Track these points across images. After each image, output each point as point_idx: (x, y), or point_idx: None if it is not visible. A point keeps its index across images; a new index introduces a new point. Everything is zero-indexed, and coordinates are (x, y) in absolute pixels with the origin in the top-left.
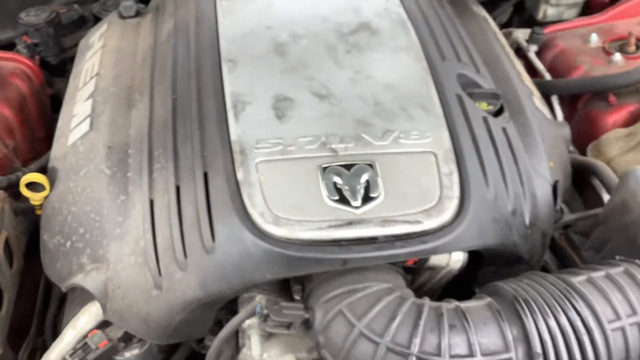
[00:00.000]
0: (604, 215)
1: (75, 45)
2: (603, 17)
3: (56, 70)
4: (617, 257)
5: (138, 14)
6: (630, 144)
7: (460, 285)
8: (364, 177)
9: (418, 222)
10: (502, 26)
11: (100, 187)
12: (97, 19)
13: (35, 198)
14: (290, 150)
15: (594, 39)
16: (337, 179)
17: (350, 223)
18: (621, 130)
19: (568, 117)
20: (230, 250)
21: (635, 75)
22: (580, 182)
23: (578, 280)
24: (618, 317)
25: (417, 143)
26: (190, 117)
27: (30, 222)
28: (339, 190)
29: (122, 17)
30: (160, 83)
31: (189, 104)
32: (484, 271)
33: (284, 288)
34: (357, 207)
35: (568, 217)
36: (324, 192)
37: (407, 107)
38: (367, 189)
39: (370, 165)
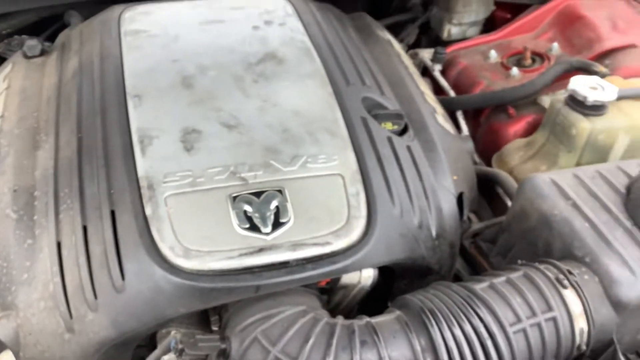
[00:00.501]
0: (507, 222)
1: None
2: (501, 33)
3: None
4: (519, 262)
5: (43, 52)
6: (529, 153)
7: (379, 300)
8: (274, 203)
9: (327, 243)
10: (410, 47)
11: (6, 232)
12: (2, 60)
13: None
14: (200, 182)
15: (493, 54)
16: (247, 207)
17: (261, 250)
18: (521, 140)
19: (473, 131)
20: (141, 287)
21: (530, 87)
22: (488, 191)
23: (480, 287)
24: (519, 319)
25: (325, 166)
26: (96, 155)
27: None
28: (249, 218)
29: (26, 56)
30: (65, 122)
31: (94, 142)
32: (398, 284)
33: (203, 320)
34: (267, 234)
35: (476, 225)
36: (235, 221)
37: (314, 132)
38: (277, 214)
39: (280, 191)
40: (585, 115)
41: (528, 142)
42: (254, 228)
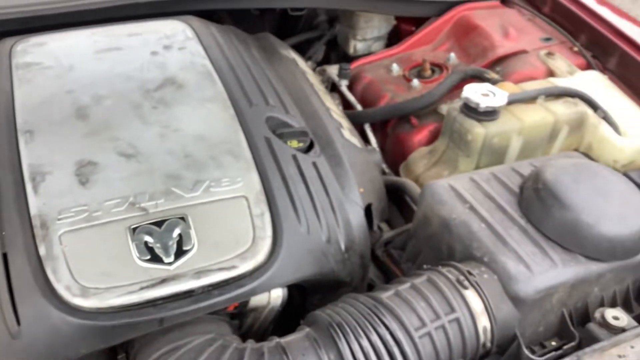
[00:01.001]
0: (413, 229)
1: None
2: (402, 47)
3: None
4: (425, 267)
5: None
6: (432, 160)
7: (296, 318)
8: (176, 232)
9: (233, 267)
10: (319, 63)
11: None
12: None
13: None
14: (96, 216)
15: (395, 68)
16: (148, 238)
17: (163, 281)
18: (424, 148)
19: (382, 142)
20: (38, 331)
21: (429, 98)
22: (398, 200)
23: (386, 295)
24: (424, 324)
25: (228, 189)
26: None
27: None
28: (150, 249)
29: None
30: None
31: None
32: (311, 300)
33: (110, 358)
34: (170, 263)
35: (387, 234)
36: (135, 254)
37: (217, 156)
38: (180, 243)
39: (183, 219)
40: (479, 121)
41: (430, 150)
42: (155, 259)
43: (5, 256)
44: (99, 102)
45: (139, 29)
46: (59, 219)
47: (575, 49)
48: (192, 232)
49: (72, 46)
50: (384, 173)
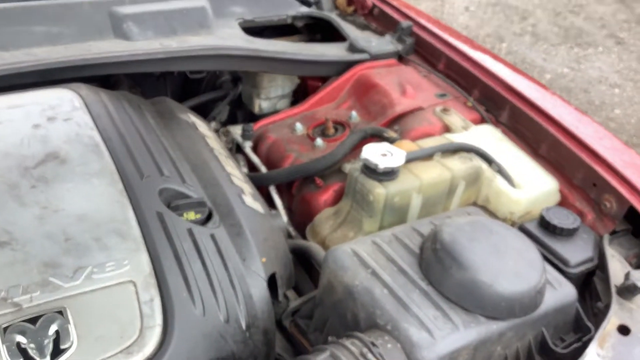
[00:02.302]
0: (319, 296)
1: None
2: (305, 105)
3: None
4: (329, 339)
5: None
6: (338, 221)
7: None
8: (53, 328)
9: None
10: (224, 123)
11: None
12: None
13: None
14: None
15: (299, 127)
16: (21, 338)
17: None
18: (330, 209)
19: (290, 203)
20: None
21: (331, 158)
22: (307, 264)
23: None
24: None
25: (113, 275)
26: None
27: None
28: (23, 351)
29: None
30: None
31: None
32: None
33: None
34: None
35: (294, 303)
36: (5, 357)
37: (102, 237)
38: (57, 341)
39: (61, 312)
40: (380, 181)
41: (335, 210)
42: None
43: None
44: None
45: (20, 100)
46: None
47: (469, 104)
48: (71, 328)
49: None
50: (290, 236)
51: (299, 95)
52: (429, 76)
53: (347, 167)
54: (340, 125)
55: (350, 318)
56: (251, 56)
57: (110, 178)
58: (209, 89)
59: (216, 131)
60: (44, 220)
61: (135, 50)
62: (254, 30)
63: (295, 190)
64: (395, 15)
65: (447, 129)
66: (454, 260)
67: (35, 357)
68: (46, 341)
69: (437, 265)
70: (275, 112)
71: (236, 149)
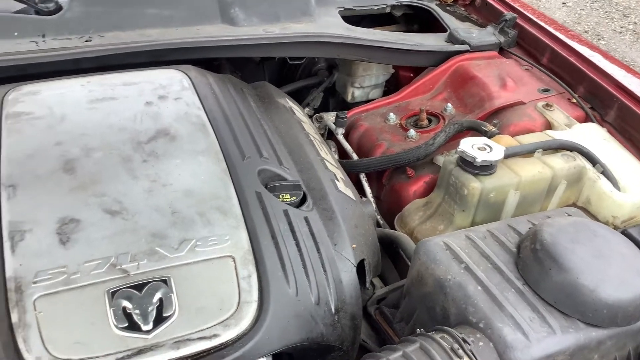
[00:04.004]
0: (407, 287)
1: None
2: (399, 95)
3: None
4: (417, 331)
5: None
6: (428, 213)
7: None
8: (157, 296)
9: (215, 336)
10: (317, 110)
11: None
12: None
13: None
14: (75, 279)
15: (392, 117)
16: (127, 304)
17: (140, 351)
18: (420, 200)
19: (378, 192)
20: None
21: (424, 149)
22: (392, 253)
23: None
24: None
25: (215, 249)
26: None
27: None
28: (128, 316)
29: None
30: None
31: None
32: None
33: None
34: (148, 332)
35: (380, 291)
36: (112, 321)
37: (205, 212)
38: (160, 308)
39: (165, 281)
40: (476, 175)
41: (426, 202)
42: (133, 327)
43: None
44: (89, 155)
45: (134, 78)
46: (34, 282)
47: (574, 100)
48: (174, 297)
49: (66, 95)
50: (378, 225)
51: (391, 85)
52: (531, 70)
53: (441, 159)
54: (434, 116)
55: (440, 312)
56: (351, 44)
57: (215, 157)
58: (304, 75)
59: (309, 117)
60: (152, 193)
61: (240, 36)
62: (352, 19)
63: (385, 179)
64: (499, 7)
65: (548, 126)
66: (554, 261)
67: (139, 322)
68: (150, 308)
69: (535, 265)
70: (368, 101)
71: (327, 136)
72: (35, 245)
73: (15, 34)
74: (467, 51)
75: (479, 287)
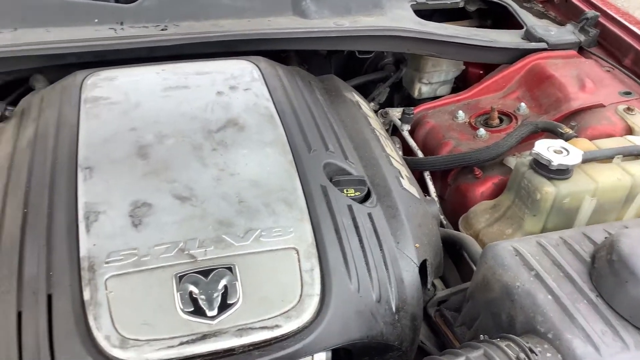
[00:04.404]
0: (471, 291)
1: None
2: (469, 93)
3: None
4: (481, 337)
5: (2, 119)
6: (495, 216)
7: None
8: (222, 283)
9: (277, 326)
10: (382, 105)
11: None
12: None
13: None
14: (145, 261)
15: (461, 114)
16: (194, 288)
17: (204, 336)
18: (487, 202)
19: (442, 191)
20: None
21: (495, 149)
22: (455, 254)
23: None
24: None
25: (279, 240)
26: (39, 233)
27: None
28: (194, 301)
29: None
30: (13, 196)
31: (39, 219)
32: None
33: None
34: (212, 317)
35: (441, 293)
36: (178, 304)
37: (271, 203)
38: (225, 295)
39: (230, 269)
40: (550, 179)
41: (494, 204)
42: (198, 312)
43: (50, 297)
44: (161, 142)
45: (207, 67)
46: (106, 262)
47: None
48: (238, 285)
49: (141, 82)
50: (441, 225)
51: (459, 82)
52: (612, 71)
53: (512, 160)
54: (506, 116)
55: (505, 319)
56: (422, 39)
57: (282, 148)
58: (370, 69)
59: (375, 112)
60: (221, 182)
61: (311, 28)
62: (423, 12)
63: (451, 178)
64: (580, 4)
65: (629, 131)
66: (631, 274)
67: (204, 307)
68: (215, 294)
69: (611, 277)
70: (435, 97)
71: (392, 131)
72: (109, 227)
73: (96, 20)
74: (545, 49)
75: (549, 296)
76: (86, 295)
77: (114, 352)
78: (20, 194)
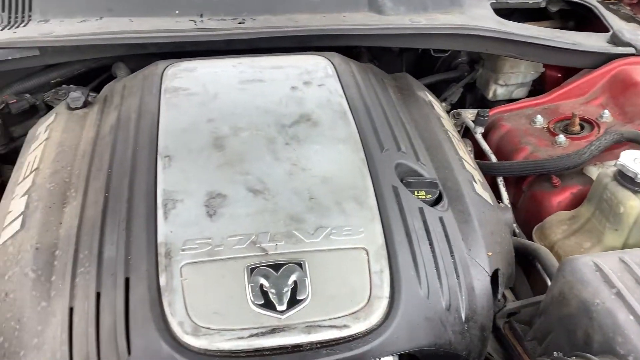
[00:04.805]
0: (545, 305)
1: (25, 134)
2: (549, 97)
3: (6, 158)
4: (555, 354)
5: (86, 104)
6: (573, 228)
7: None
8: (292, 278)
9: (345, 326)
10: (454, 105)
11: (23, 292)
12: (49, 108)
13: None
14: (218, 251)
15: (539, 119)
16: (264, 281)
17: (273, 330)
18: (565, 213)
19: (515, 199)
20: None
21: (576, 158)
22: (527, 265)
23: None
24: None
25: (349, 239)
26: (119, 217)
27: None
28: (265, 294)
29: (69, 108)
30: (95, 180)
31: (119, 203)
32: None
33: None
34: (282, 312)
35: (512, 305)
36: (249, 296)
37: (342, 201)
38: (295, 291)
39: (300, 265)
40: (635, 192)
41: (572, 215)
42: (268, 305)
43: (127, 281)
44: (237, 134)
45: (282, 62)
46: (182, 250)
47: None
48: (308, 281)
49: (218, 74)
50: (514, 234)
51: (536, 85)
52: None
53: (594, 170)
54: (587, 123)
55: (581, 337)
56: (502, 39)
57: (354, 146)
58: (443, 68)
59: (447, 112)
60: (293, 177)
61: (387, 25)
62: (502, 12)
63: (525, 186)
64: None
65: None
66: None
67: (274, 301)
68: (285, 289)
69: None
70: (510, 100)
71: (463, 133)
72: (185, 215)
73: (177, 12)
74: (632, 55)
75: (631, 317)
76: (162, 281)
77: (187, 338)
78: (102, 178)
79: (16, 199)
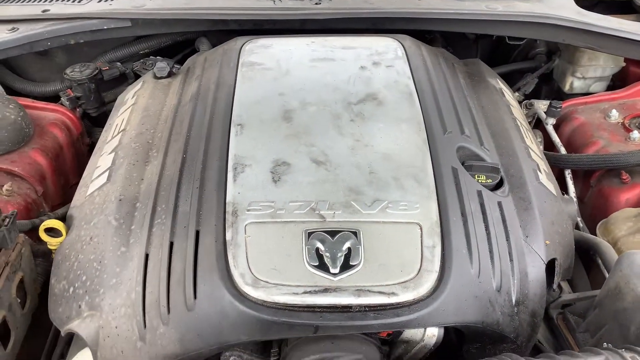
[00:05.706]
0: (600, 298)
1: (115, 99)
2: (627, 92)
3: (97, 121)
4: (605, 344)
5: (170, 74)
6: (639, 225)
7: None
8: (346, 245)
9: (393, 294)
10: (528, 96)
11: (106, 237)
12: (137, 76)
13: (52, 243)
14: (280, 214)
15: (615, 114)
16: (320, 245)
17: (325, 290)
18: (632, 210)
19: (582, 193)
20: (209, 309)
21: None
22: (587, 260)
23: None
24: None
25: (405, 214)
26: (194, 176)
27: (49, 264)
28: (320, 257)
29: (155, 77)
30: (175, 142)
31: (195, 164)
32: (468, 348)
33: (264, 350)
34: (334, 274)
35: (567, 296)
36: (305, 257)
37: (400, 178)
38: (348, 256)
39: (355, 233)
40: None
41: (639, 213)
42: (322, 267)
43: (197, 233)
44: (304, 108)
45: (353, 42)
46: (248, 210)
47: None
48: (361, 249)
49: (292, 52)
50: (577, 228)
51: (616, 80)
52: None
53: None
54: None
55: (635, 332)
56: (582, 29)
57: (417, 126)
58: (519, 58)
59: (519, 102)
60: (354, 151)
61: (463, 10)
62: (584, 3)
63: (593, 180)
64: None
65: None
66: None
67: (328, 264)
68: (339, 254)
69: None
70: (587, 94)
71: (535, 124)
72: (252, 179)
73: None
74: None
75: None
76: (228, 235)
77: (246, 289)
78: (181, 141)
79: (104, 156)
